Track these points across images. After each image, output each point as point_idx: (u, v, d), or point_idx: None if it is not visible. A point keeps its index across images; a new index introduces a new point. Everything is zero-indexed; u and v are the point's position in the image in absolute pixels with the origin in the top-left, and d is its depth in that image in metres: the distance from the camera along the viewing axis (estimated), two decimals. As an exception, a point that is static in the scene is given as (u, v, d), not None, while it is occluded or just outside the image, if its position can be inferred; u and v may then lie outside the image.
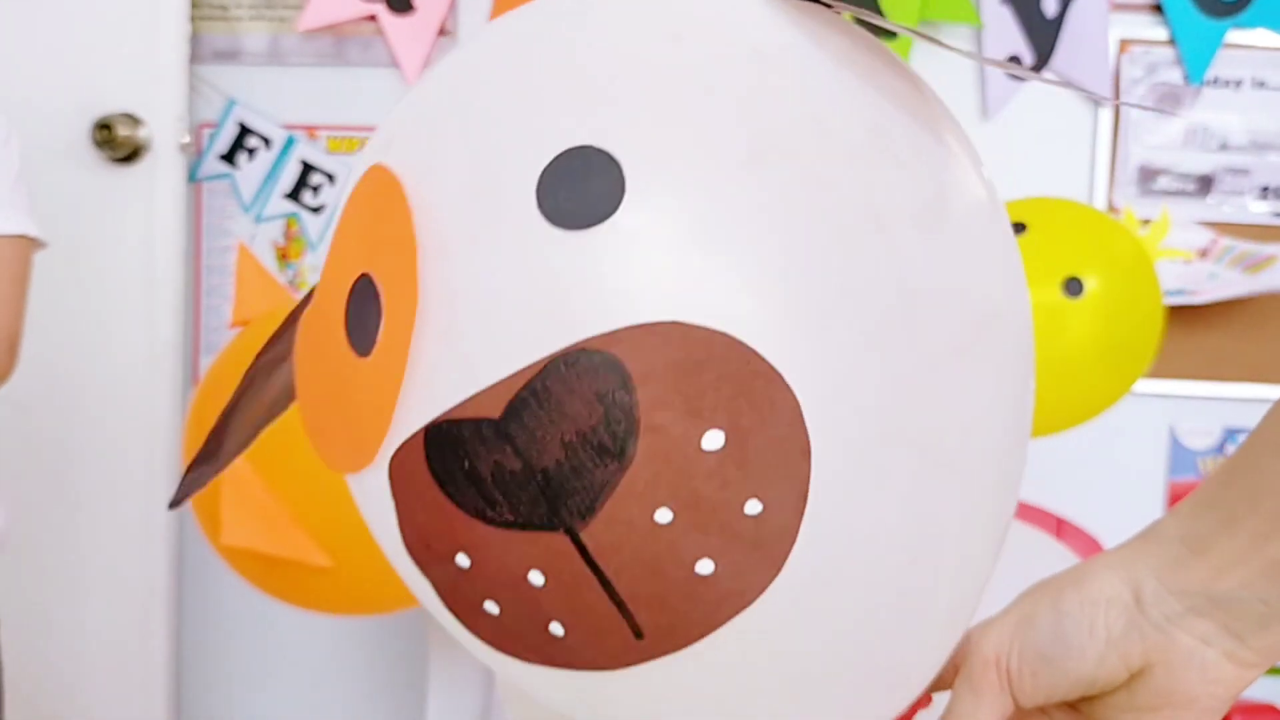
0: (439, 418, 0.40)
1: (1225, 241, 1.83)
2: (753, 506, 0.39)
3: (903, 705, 0.47)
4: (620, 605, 0.40)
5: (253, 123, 1.86)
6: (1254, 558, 0.43)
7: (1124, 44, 1.83)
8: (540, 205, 0.40)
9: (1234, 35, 1.82)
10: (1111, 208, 1.84)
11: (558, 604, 0.41)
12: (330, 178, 1.86)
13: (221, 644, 1.94)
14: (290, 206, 1.87)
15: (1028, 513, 1.44)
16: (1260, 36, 1.83)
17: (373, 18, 1.83)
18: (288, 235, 1.88)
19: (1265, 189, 1.85)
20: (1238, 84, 1.84)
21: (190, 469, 0.57)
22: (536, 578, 0.40)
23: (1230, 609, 0.43)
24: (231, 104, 1.85)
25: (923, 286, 0.42)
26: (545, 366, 0.39)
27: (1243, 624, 0.44)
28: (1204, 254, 1.84)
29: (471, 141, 0.42)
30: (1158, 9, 1.82)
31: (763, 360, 0.39)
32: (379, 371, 0.41)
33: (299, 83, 1.86)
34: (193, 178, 1.87)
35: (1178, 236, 1.80)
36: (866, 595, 0.42)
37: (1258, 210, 1.85)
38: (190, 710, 1.93)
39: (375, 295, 0.42)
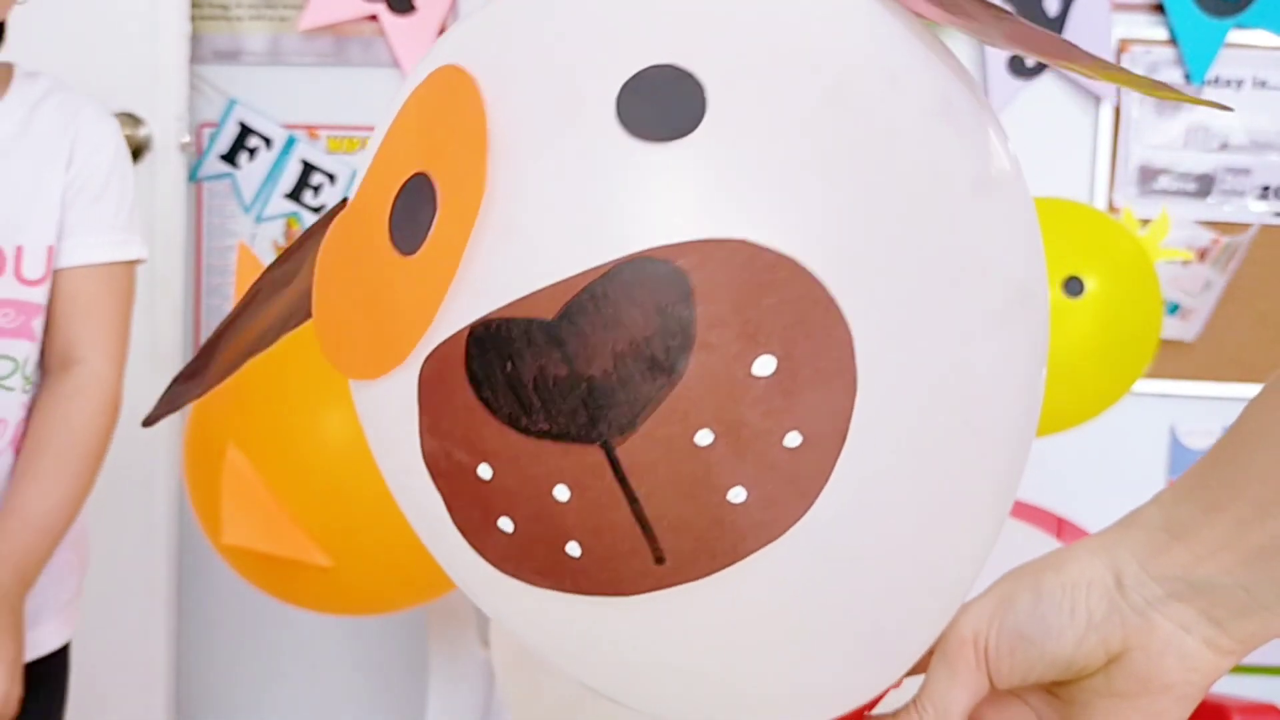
0: (487, 316, 0.39)
1: (1225, 241, 1.84)
2: (793, 439, 0.39)
3: (890, 678, 0.47)
4: (645, 527, 0.39)
5: (253, 122, 1.86)
6: (1236, 544, 0.43)
7: (1125, 43, 1.83)
8: (619, 116, 0.39)
9: (1235, 35, 1.82)
10: (1112, 208, 1.84)
11: (580, 522, 0.40)
12: (331, 177, 1.86)
13: (221, 644, 1.94)
14: (291, 206, 1.87)
15: (1028, 513, 1.44)
16: (1260, 36, 1.83)
17: (374, 18, 1.83)
18: (288, 235, 1.88)
19: (1265, 189, 1.85)
20: (1238, 84, 1.84)
21: (174, 383, 0.56)
22: (561, 493, 0.39)
23: (1211, 595, 0.44)
24: (232, 104, 1.85)
25: (974, 252, 0.43)
26: (608, 271, 0.38)
27: (1223, 611, 0.44)
28: (1203, 255, 1.84)
29: (554, 49, 0.42)
30: (1159, 8, 1.82)
31: (824, 290, 0.39)
32: (426, 269, 0.40)
33: (300, 83, 1.87)
34: (193, 177, 1.87)
35: (1178, 236, 1.80)
36: (885, 549, 0.42)
37: (1258, 210, 1.85)
38: (190, 710, 1.93)
39: (429, 193, 0.41)
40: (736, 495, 0.39)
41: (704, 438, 0.38)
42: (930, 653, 0.48)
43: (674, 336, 0.38)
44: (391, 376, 0.42)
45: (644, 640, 0.43)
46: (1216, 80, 1.83)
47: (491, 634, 1.27)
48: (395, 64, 1.83)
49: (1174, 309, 1.83)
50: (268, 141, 1.86)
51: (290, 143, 1.85)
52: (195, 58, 1.82)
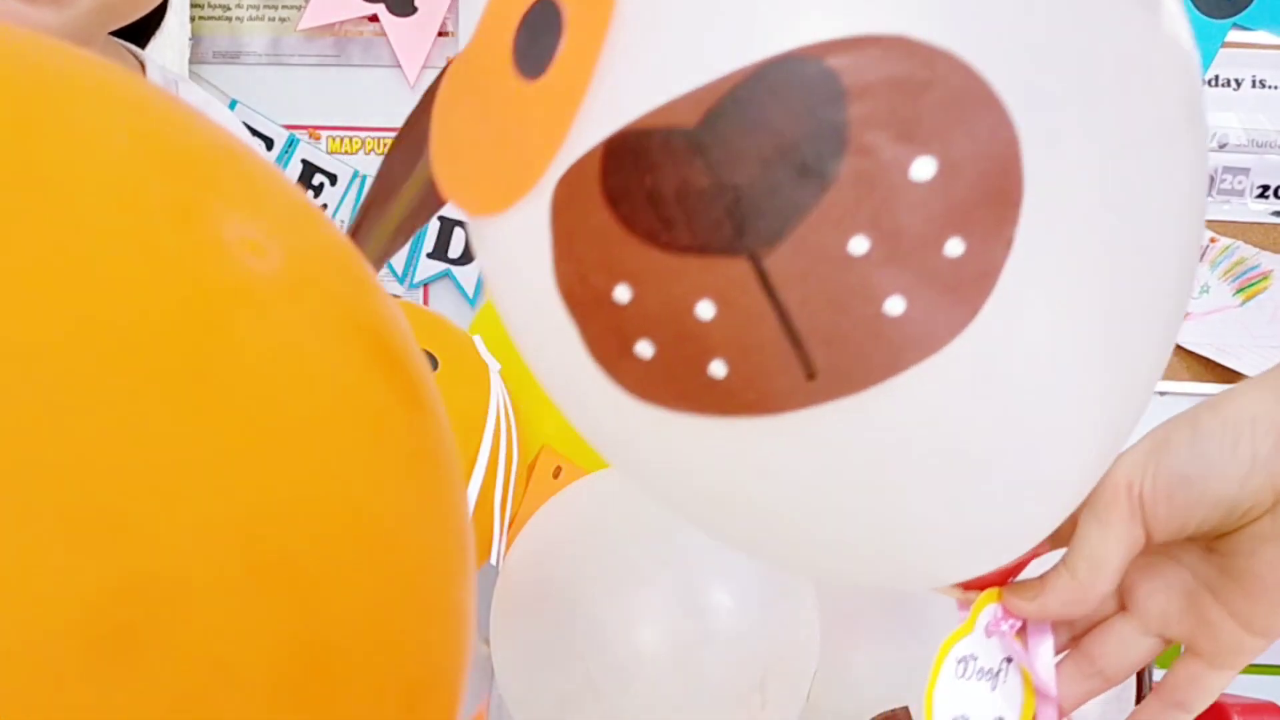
0: (623, 128, 0.37)
1: (1224, 242, 1.84)
2: (954, 246, 0.36)
3: (1049, 524, 0.44)
4: (796, 341, 0.37)
5: (254, 123, 1.86)
6: None
7: (1124, 44, 1.83)
8: None
9: (1234, 35, 1.82)
10: (1111, 207, 1.84)
11: (725, 340, 0.38)
12: (332, 178, 1.87)
13: (222, 644, 1.94)
14: (291, 207, 1.87)
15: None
16: (1260, 36, 1.83)
17: (374, 18, 1.84)
18: (289, 235, 1.88)
19: (1265, 188, 1.85)
20: (1238, 84, 1.84)
21: None
22: (705, 310, 0.38)
23: None
24: (233, 104, 1.85)
25: (1141, 53, 0.40)
26: (754, 73, 0.36)
27: None
28: (1200, 255, 1.84)
29: None
30: (1158, 9, 1.82)
31: (987, 87, 0.36)
32: (554, 89, 0.38)
33: (300, 83, 1.87)
34: (194, 178, 1.87)
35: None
36: (1048, 369, 0.40)
37: (1257, 209, 1.85)
38: (191, 710, 1.93)
39: (554, 14, 0.39)
40: (894, 306, 0.37)
41: (858, 246, 0.36)
42: (1075, 519, 0.45)
43: (825, 140, 0.35)
44: (520, 206, 0.40)
45: (793, 462, 0.41)
46: (1216, 80, 1.83)
47: (492, 632, 1.27)
48: (396, 65, 1.83)
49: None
50: (268, 142, 1.86)
51: (291, 143, 1.85)
52: (195, 58, 1.82)
